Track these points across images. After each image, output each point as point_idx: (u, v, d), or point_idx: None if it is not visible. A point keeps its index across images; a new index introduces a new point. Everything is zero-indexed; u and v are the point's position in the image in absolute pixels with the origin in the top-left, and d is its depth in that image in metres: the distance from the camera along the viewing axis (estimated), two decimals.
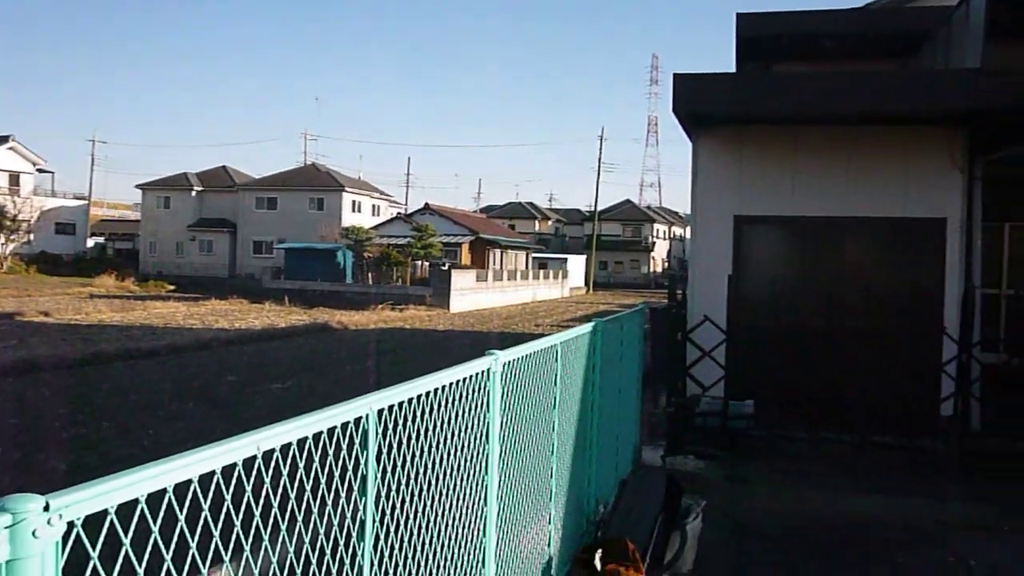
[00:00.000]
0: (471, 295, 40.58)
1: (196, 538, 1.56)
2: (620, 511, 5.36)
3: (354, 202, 58.17)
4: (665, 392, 8.31)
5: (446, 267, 43.63)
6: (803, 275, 8.95)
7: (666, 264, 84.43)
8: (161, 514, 1.48)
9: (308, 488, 1.96)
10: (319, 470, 2.02)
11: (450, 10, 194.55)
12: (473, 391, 3.07)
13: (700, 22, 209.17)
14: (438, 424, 2.75)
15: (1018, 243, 14.34)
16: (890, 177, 8.89)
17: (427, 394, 2.66)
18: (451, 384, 2.85)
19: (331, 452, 2.09)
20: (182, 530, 1.53)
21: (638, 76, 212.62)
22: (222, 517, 1.66)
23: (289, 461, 1.90)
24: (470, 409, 3.05)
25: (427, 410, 2.66)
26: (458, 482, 3.00)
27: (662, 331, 8.82)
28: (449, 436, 2.86)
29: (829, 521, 6.53)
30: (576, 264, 65.38)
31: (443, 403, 2.80)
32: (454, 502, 2.97)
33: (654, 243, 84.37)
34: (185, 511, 1.54)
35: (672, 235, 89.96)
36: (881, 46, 12.81)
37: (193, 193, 59.75)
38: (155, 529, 1.46)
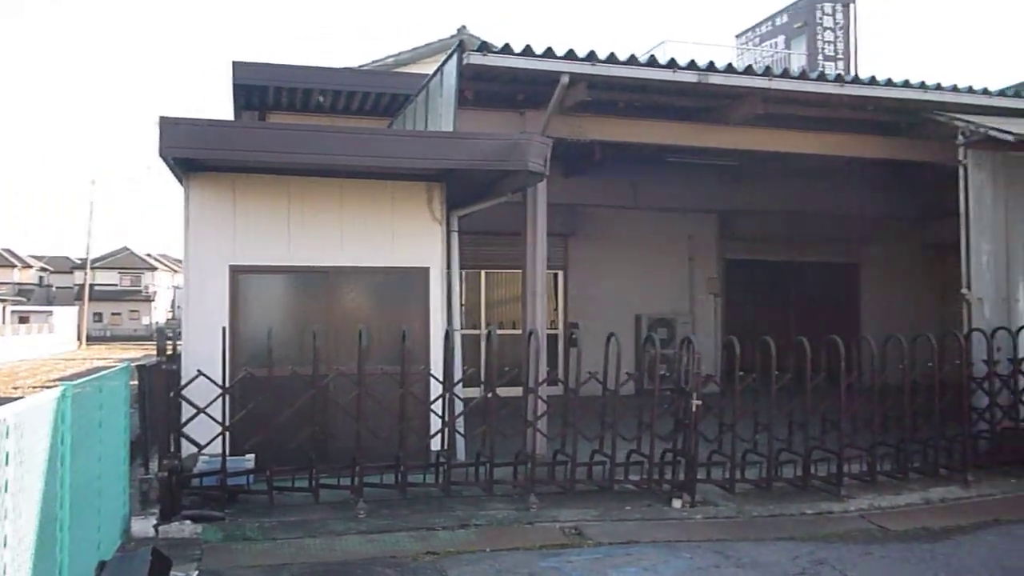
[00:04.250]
0: None
1: None
2: None
3: None
4: (158, 455, 7.74)
5: None
6: (301, 325, 9.03)
7: (170, 314, 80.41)
8: None
9: None
10: None
11: None
12: None
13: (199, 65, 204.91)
14: None
15: (492, 287, 16.16)
16: (380, 229, 9.40)
17: None
18: None
19: None
20: None
21: (136, 115, 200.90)
22: None
23: None
24: None
25: None
26: None
27: (154, 389, 8.23)
28: None
29: (328, 567, 6.56)
30: (66, 316, 59.18)
31: None
32: None
33: (155, 292, 79.90)
34: None
35: (177, 284, 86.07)
36: (371, 105, 13.64)
37: None
38: None
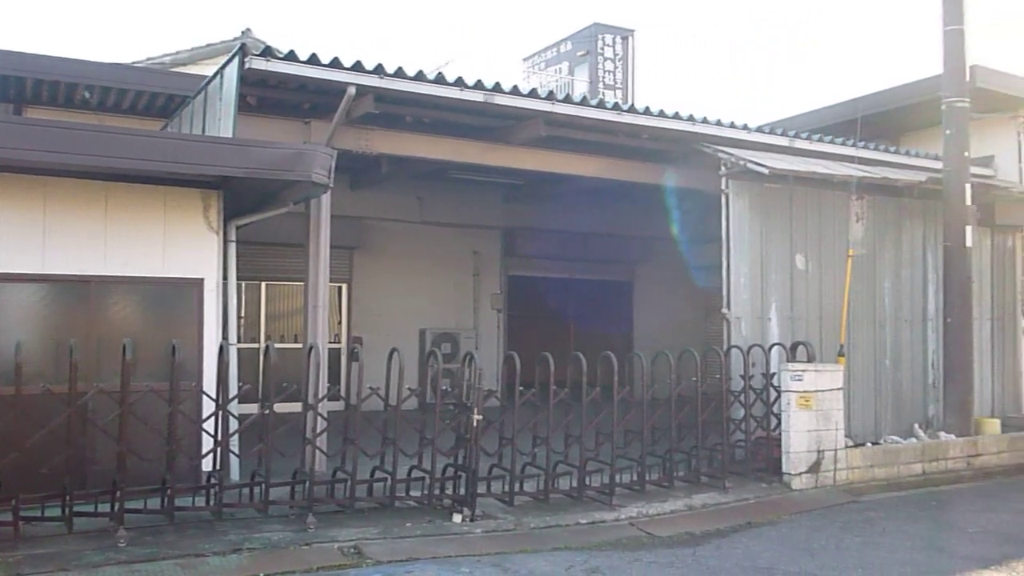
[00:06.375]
0: None
1: None
2: None
3: None
4: None
5: None
6: (58, 339, 8.30)
7: None
8: None
9: None
10: None
11: None
12: None
13: None
14: None
15: (273, 300, 15.65)
16: (150, 237, 8.84)
17: None
18: None
19: None
20: None
21: None
22: None
23: None
24: None
25: None
26: None
27: None
28: None
29: None
30: None
31: None
32: None
33: None
34: None
35: None
36: (145, 104, 12.87)
37: None
38: None
